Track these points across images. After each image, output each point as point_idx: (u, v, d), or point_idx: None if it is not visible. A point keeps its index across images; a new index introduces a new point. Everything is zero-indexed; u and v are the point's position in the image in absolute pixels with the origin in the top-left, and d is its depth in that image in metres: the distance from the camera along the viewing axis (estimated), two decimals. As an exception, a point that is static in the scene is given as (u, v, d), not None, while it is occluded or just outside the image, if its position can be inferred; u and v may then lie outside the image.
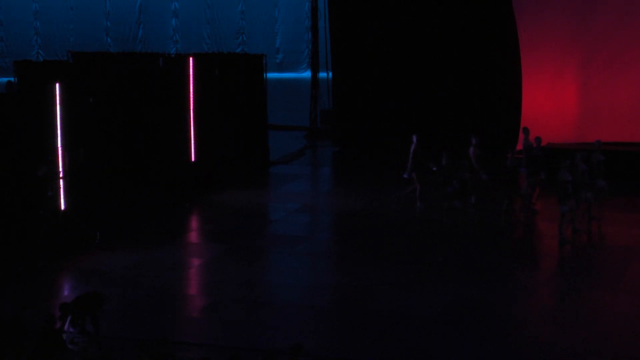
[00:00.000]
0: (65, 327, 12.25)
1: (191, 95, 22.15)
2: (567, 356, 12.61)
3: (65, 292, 15.51)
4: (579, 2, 24.25)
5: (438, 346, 12.94)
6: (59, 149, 17.51)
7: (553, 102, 24.84)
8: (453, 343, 13.03)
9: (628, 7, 23.82)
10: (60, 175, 17.46)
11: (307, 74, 34.07)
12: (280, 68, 43.51)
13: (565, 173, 17.23)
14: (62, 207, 17.56)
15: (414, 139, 20.43)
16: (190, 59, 22.37)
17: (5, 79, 22.72)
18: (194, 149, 22.27)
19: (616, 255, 17.24)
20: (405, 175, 20.53)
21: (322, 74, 30.26)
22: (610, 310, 14.37)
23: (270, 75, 27.26)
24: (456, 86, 26.25)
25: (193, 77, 22.17)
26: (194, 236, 19.43)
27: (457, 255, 17.20)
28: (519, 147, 25.31)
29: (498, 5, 25.24)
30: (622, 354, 12.67)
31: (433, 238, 18.42)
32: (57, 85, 17.53)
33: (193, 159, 22.29)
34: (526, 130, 20.36)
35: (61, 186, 17.53)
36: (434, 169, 20.01)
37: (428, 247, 17.83)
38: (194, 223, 20.71)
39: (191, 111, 22.18)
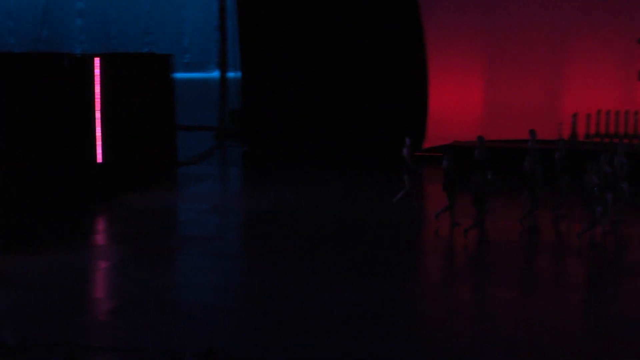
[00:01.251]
0: None
1: (97, 96, 21.68)
2: (476, 350, 12.66)
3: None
4: (485, 1, 24.54)
5: (350, 343, 12.87)
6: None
7: (459, 100, 25.12)
8: (365, 339, 12.98)
9: (532, 8, 24.22)
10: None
11: (215, 74, 33.76)
12: (188, 68, 43.01)
13: (592, 176, 17.21)
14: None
15: (407, 141, 20.13)
16: (96, 59, 21.89)
17: None
18: (101, 150, 21.80)
19: (520, 251, 17.45)
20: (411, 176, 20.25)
21: (231, 74, 30.00)
22: (520, 306, 14.52)
23: (179, 75, 26.91)
24: (363, 85, 26.30)
25: (99, 78, 21.70)
26: (100, 238, 19.01)
27: (370, 252, 17.20)
28: (426, 145, 25.62)
29: (404, 4, 25.37)
30: (522, 344, 12.77)
31: (347, 235, 18.39)
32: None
33: (100, 160, 21.82)
34: (533, 133, 20.22)
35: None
36: (419, 172, 19.94)
37: (341, 244, 17.78)
38: (101, 225, 20.26)
39: (97, 112, 21.71)
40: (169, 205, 21.51)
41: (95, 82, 21.63)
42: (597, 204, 17.00)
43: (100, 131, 21.76)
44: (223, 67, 30.13)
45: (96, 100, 21.67)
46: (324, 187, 22.66)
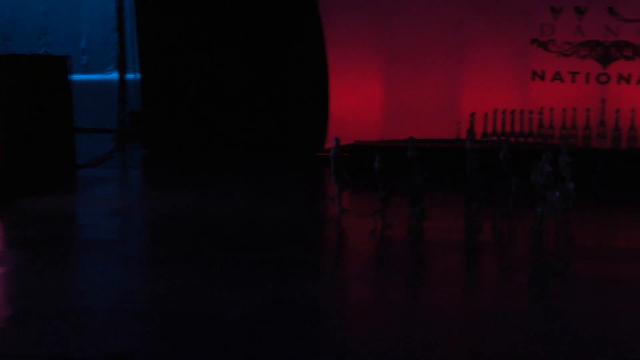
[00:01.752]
0: None
1: (-9, 98, 21.04)
2: (384, 347, 12.70)
3: None
4: (384, 2, 24.70)
5: (255, 344, 12.76)
6: None
7: (359, 101, 25.23)
8: (270, 340, 12.89)
9: (429, 8, 24.49)
10: None
11: (114, 76, 33.16)
12: (86, 70, 42.18)
13: (537, 176, 17.22)
14: None
15: (335, 142, 19.91)
16: (-11, 60, 21.25)
17: None
18: (-4, 153, 21.18)
19: (431, 249, 17.59)
20: (345, 177, 19.87)
21: (131, 75, 29.50)
22: (419, 303, 14.62)
23: (76, 77, 26.32)
24: (264, 85, 26.20)
25: (-7, 79, 21.07)
26: (-2, 244, 18.44)
27: (276, 252, 17.10)
28: (328, 145, 25.63)
29: (303, 4, 25.35)
30: (432, 341, 12.88)
31: (252, 236, 18.25)
32: None
33: (-5, 164, 21.20)
34: (471, 133, 19.99)
35: None
36: (347, 174, 19.64)
37: (247, 245, 17.64)
38: (-2, 230, 19.67)
39: (-8, 114, 21.07)
40: (69, 209, 21.00)
41: (-11, 84, 20.99)
42: (543, 204, 17.17)
43: (-5, 134, 21.12)
44: (122, 69, 29.59)
45: (-10, 102, 21.03)
46: (229, 188, 22.48)
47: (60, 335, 12.90)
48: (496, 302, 14.44)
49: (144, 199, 22.55)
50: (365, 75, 25.16)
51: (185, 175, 24.10)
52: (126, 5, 29.05)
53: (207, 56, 26.46)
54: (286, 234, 18.45)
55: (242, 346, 12.69)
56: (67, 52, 31.26)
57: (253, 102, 26.43)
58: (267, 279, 15.48)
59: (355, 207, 20.06)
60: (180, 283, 15.29)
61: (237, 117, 26.48)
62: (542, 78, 24.24)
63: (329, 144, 25.66)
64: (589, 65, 23.92)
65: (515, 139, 23.79)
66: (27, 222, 19.22)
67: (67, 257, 16.99)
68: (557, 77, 24.13)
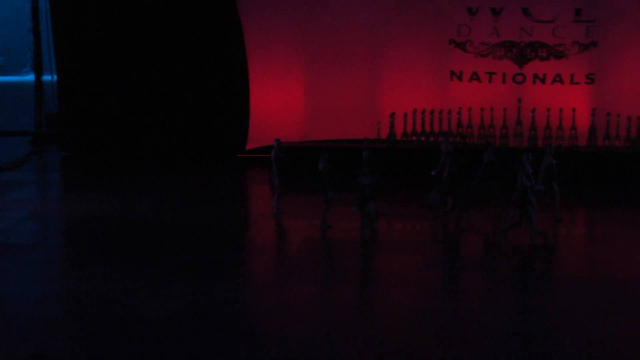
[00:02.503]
0: None
1: None
2: (304, 349, 12.57)
3: None
4: (304, 2, 24.57)
5: (173, 348, 12.51)
6: None
7: (281, 102, 25.05)
8: (188, 344, 12.66)
9: (348, 9, 24.42)
10: None
11: (30, 77, 32.35)
12: (2, 71, 41.17)
13: (523, 179, 17.03)
14: None
15: (276, 143, 19.55)
16: None
17: None
18: None
19: (341, 248, 17.49)
20: (277, 181, 19.61)
21: (47, 77, 28.77)
22: (345, 302, 14.54)
23: (-8, 78, 25.61)
24: (185, 87, 25.82)
25: None
26: None
27: (199, 254, 16.84)
28: (249, 146, 25.42)
29: (222, 6, 25.07)
30: (356, 343, 12.81)
31: (174, 238, 17.94)
32: None
33: None
34: (447, 135, 20.27)
35: None
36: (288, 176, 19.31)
37: (169, 247, 17.33)
38: None
39: None
40: (-16, 213, 20.35)
41: None
42: (530, 207, 17.03)
43: None
44: (38, 70, 28.82)
45: None
46: (150, 190, 22.09)
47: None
48: (410, 301, 14.44)
49: (63, 202, 21.98)
50: (286, 77, 24.99)
51: (105, 178, 23.59)
52: (41, 6, 28.30)
53: (126, 58, 25.95)
54: (207, 237, 18.17)
55: (165, 349, 12.42)
56: (-19, 53, 30.49)
57: (173, 104, 26.02)
58: (187, 282, 15.22)
59: (289, 208, 19.88)
60: (99, 287, 14.92)
61: (157, 120, 26.03)
62: (460, 78, 24.38)
63: (250, 144, 25.49)
64: (505, 65, 24.14)
65: (435, 138, 23.87)
66: (-60, 228, 18.58)
67: (-17, 263, 16.44)
68: (475, 77, 24.30)
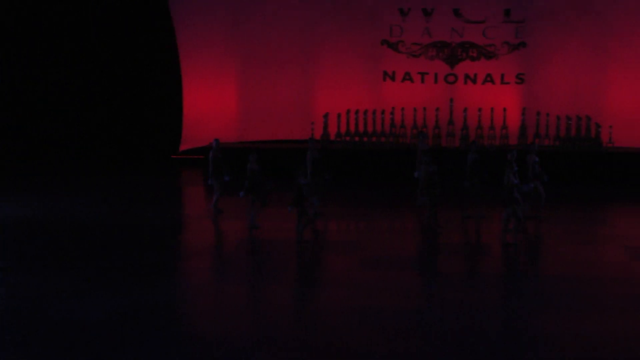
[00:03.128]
0: None
1: None
2: (236, 352, 12.36)
3: None
4: (236, 3, 24.33)
5: (108, 352, 12.18)
6: None
7: (214, 103, 24.81)
8: (122, 347, 12.34)
9: (281, 10, 24.28)
10: None
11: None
12: None
13: (510, 177, 16.76)
14: None
15: (214, 143, 19.12)
16: None
17: None
18: None
19: (277, 248, 17.30)
20: (209, 182, 19.21)
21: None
22: (281, 304, 14.36)
23: None
24: (117, 88, 25.39)
25: None
26: None
27: (132, 256, 16.48)
28: (183, 147, 25.08)
29: (154, 8, 24.69)
30: (292, 344, 12.65)
31: (106, 240, 17.55)
32: None
33: None
34: (422, 134, 20.02)
35: None
36: (227, 177, 18.90)
37: (100, 250, 16.93)
38: None
39: None
40: None
41: None
42: (517, 205, 16.87)
43: None
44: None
45: None
46: (82, 193, 21.63)
47: None
48: (346, 301, 14.33)
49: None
50: (220, 77, 24.73)
51: (33, 180, 23.01)
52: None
53: (56, 58, 25.39)
54: (141, 239, 17.84)
55: (98, 353, 12.10)
56: None
57: (105, 106, 25.57)
58: (121, 285, 14.88)
59: (226, 208, 19.62)
60: (29, 291, 14.50)
61: (88, 121, 25.55)
62: (392, 78, 24.38)
63: (184, 146, 25.15)
64: (437, 65, 24.22)
65: (369, 138, 23.82)
66: None
67: None
68: (407, 77, 24.33)
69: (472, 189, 18.89)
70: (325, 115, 23.92)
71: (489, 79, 24.04)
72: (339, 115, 23.90)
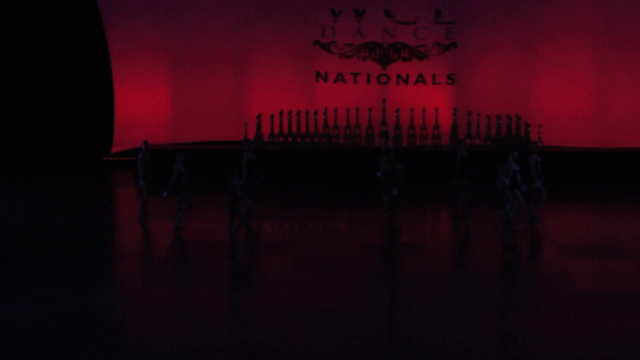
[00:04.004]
0: None
1: None
2: (174, 354, 11.98)
3: None
4: (167, 4, 23.91)
5: (39, 356, 11.70)
6: None
7: (146, 104, 24.37)
8: (53, 351, 11.88)
9: (212, 10, 23.94)
10: None
11: None
12: None
13: (503, 177, 16.30)
14: None
15: (143, 145, 18.61)
16: None
17: None
18: None
19: (210, 250, 16.95)
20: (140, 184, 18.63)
21: None
22: (215, 305, 14.04)
23: None
24: (46, 90, 24.76)
25: None
26: None
27: (64, 259, 15.97)
28: (115, 149, 24.52)
29: (83, 9, 24.12)
30: (226, 346, 12.34)
31: (38, 244, 16.98)
32: None
33: None
34: (384, 134, 19.58)
35: None
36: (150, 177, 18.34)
37: (30, 255, 16.35)
38: None
39: None
40: None
41: None
42: (510, 205, 16.49)
43: None
44: None
45: None
46: (11, 195, 20.99)
47: None
48: (284, 301, 14.07)
49: None
50: (152, 79, 24.27)
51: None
52: None
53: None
54: (72, 242, 17.32)
55: (27, 358, 11.63)
56: None
57: (35, 108, 24.89)
58: (52, 289, 14.40)
59: (156, 211, 19.17)
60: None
61: (16, 123, 24.87)
62: (325, 79, 24.15)
63: (116, 148, 24.59)
64: (369, 66, 24.06)
65: (302, 139, 23.53)
66: None
67: None
68: (340, 78, 24.12)
69: (460, 188, 18.72)
70: (259, 116, 23.56)
71: (420, 79, 23.96)
72: (272, 116, 23.56)
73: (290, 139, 23.63)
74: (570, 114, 23.62)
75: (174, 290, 15.00)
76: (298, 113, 23.69)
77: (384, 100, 23.66)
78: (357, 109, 23.66)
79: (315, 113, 23.74)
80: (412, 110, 23.54)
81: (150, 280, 15.60)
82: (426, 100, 23.83)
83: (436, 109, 23.56)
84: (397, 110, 23.50)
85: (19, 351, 11.97)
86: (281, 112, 23.63)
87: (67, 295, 14.14)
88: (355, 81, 24.11)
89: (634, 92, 23.56)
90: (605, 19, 23.35)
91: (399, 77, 24.00)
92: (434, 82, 23.93)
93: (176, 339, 12.55)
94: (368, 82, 24.08)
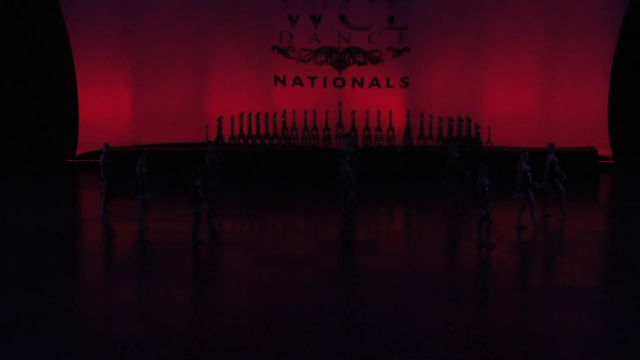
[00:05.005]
0: None
1: None
2: (134, 351, 12.04)
3: None
4: (128, 9, 23.87)
5: (6, 352, 11.69)
6: None
7: (109, 107, 24.31)
8: (16, 348, 11.86)
9: (172, 15, 23.96)
10: None
11: None
12: None
13: (484, 178, 16.32)
14: None
15: (104, 148, 18.51)
16: None
17: None
18: None
19: (172, 249, 16.99)
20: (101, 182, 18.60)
21: None
22: (176, 303, 14.07)
23: None
24: (11, 93, 24.58)
25: None
26: None
27: (25, 260, 15.90)
28: (79, 151, 24.45)
29: (48, 15, 23.99)
30: (187, 343, 12.40)
31: (5, 245, 16.91)
32: None
33: None
34: (348, 137, 19.72)
35: None
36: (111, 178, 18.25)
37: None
38: None
39: None
40: None
41: None
42: (486, 206, 16.49)
43: None
44: None
45: None
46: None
47: None
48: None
49: None
50: (114, 82, 24.23)
51: None
52: None
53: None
54: (35, 242, 17.23)
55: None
56: None
57: (-1, 111, 24.74)
58: (15, 287, 14.35)
59: (118, 211, 19.15)
60: None
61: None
62: (283, 83, 24.30)
63: (80, 149, 24.51)
64: (326, 70, 24.26)
65: (261, 141, 23.67)
66: None
67: None
68: (297, 81, 24.29)
69: (451, 188, 18.88)
70: (219, 119, 23.63)
71: (375, 82, 24.20)
72: (232, 119, 23.65)
73: (250, 141, 23.75)
74: (517, 116, 24.03)
75: (137, 288, 15.00)
76: (257, 115, 23.81)
77: (340, 103, 23.88)
78: (314, 112, 23.84)
79: (274, 115, 23.88)
80: (367, 112, 23.78)
81: (113, 279, 15.58)
82: (380, 103, 24.07)
83: (390, 111, 23.83)
84: (353, 113, 23.72)
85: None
86: (241, 115, 23.73)
87: (31, 293, 14.10)
88: (312, 84, 24.29)
89: (576, 95, 24.02)
90: (549, 25, 23.78)
91: (354, 80, 24.22)
92: (388, 86, 24.19)
93: (139, 335, 12.57)
94: (325, 85, 24.27)
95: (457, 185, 18.84)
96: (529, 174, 17.81)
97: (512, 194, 18.15)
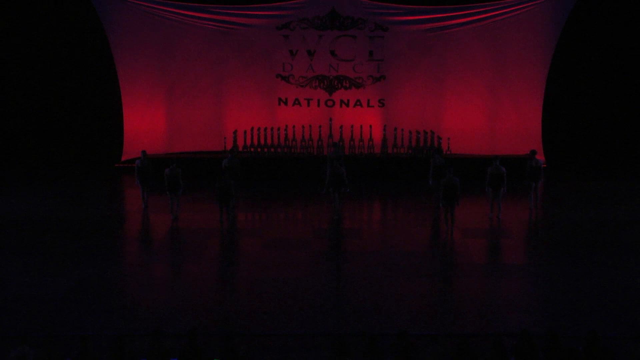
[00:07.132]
0: None
1: None
2: (164, 314, 12.21)
3: None
4: (163, 43, 24.02)
5: (66, 320, 11.88)
6: None
7: (148, 122, 24.63)
8: (79, 316, 12.07)
9: (198, 48, 24.17)
10: None
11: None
12: None
13: (453, 178, 16.59)
14: None
15: (142, 154, 19.09)
16: None
17: None
18: None
19: (200, 235, 17.16)
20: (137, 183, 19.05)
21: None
22: (200, 277, 14.24)
23: None
24: (70, 114, 24.69)
25: None
26: None
27: (79, 243, 16.07)
28: (124, 158, 24.58)
29: (95, 44, 24.10)
30: (210, 307, 12.58)
31: (60, 232, 17.12)
32: None
33: None
34: (335, 145, 20.36)
35: None
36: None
37: (55, 239, 16.46)
38: None
39: None
40: None
41: None
42: (456, 202, 16.57)
43: None
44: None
45: None
46: (42, 194, 20.90)
47: None
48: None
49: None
50: (152, 103, 24.58)
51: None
52: None
53: (29, 86, 24.54)
54: (92, 229, 17.48)
55: (54, 324, 11.76)
56: None
57: (61, 124, 24.81)
58: (71, 265, 14.51)
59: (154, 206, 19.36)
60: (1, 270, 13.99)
61: (45, 137, 24.78)
62: (285, 103, 24.52)
63: (125, 156, 24.65)
64: (319, 93, 24.50)
65: (268, 149, 23.84)
66: None
67: None
68: (297, 102, 24.51)
69: (436, 187, 19.04)
70: (235, 132, 23.95)
71: (358, 103, 24.43)
72: (245, 132, 23.94)
73: (259, 149, 24.00)
74: (469, 129, 24.28)
75: (170, 265, 15.20)
76: (265, 129, 24.07)
77: (330, 120, 24.12)
78: (310, 126, 24.08)
79: (278, 129, 24.13)
80: (352, 127, 24.02)
81: (150, 258, 15.76)
82: (362, 119, 24.31)
83: (370, 126, 24.07)
84: (341, 127, 23.98)
85: (47, 317, 12.08)
86: (252, 129, 23.98)
87: (84, 270, 14.25)
88: (308, 105, 24.52)
89: (515, 112, 24.31)
90: (493, 57, 24.05)
91: (342, 101, 24.45)
92: (368, 105, 24.43)
93: (171, 302, 12.77)
94: (318, 105, 24.51)
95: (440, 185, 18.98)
96: (504, 176, 17.98)
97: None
